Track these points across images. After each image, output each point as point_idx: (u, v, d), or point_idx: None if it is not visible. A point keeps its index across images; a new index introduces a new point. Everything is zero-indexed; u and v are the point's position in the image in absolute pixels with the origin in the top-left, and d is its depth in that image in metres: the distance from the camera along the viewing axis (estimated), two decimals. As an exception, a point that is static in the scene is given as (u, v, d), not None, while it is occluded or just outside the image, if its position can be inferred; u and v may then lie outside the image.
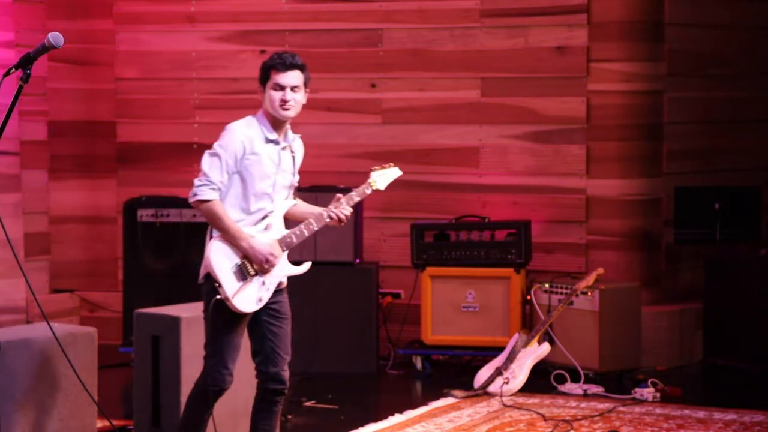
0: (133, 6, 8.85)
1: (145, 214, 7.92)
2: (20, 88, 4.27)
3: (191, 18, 8.80)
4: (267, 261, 4.93)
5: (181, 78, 8.82)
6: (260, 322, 5.03)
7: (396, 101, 8.58)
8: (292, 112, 4.98)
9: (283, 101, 4.94)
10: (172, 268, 7.81)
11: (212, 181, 4.89)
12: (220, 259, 4.90)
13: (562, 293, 7.61)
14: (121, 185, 8.87)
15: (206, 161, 4.93)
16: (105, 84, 8.92)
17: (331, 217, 5.07)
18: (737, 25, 8.55)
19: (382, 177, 5.31)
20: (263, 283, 4.97)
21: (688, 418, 6.66)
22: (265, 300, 4.98)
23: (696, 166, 8.49)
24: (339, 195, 5.13)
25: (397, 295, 8.41)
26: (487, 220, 8.26)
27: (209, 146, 5.02)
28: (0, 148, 7.65)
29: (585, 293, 7.59)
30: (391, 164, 5.40)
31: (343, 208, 5.09)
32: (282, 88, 4.94)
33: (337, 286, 7.91)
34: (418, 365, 8.04)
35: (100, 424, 5.70)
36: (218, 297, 4.88)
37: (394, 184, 8.47)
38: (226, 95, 8.75)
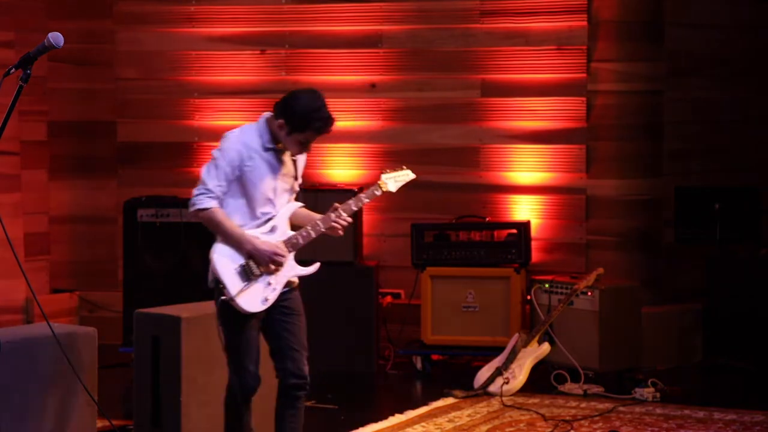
0: (133, 6, 8.85)
1: (145, 214, 7.92)
2: (20, 88, 4.27)
3: (191, 18, 8.80)
4: (272, 260, 4.95)
5: (181, 78, 8.82)
6: (273, 321, 5.06)
7: (396, 101, 8.58)
8: (305, 152, 5.10)
9: (304, 149, 5.06)
10: (172, 268, 7.82)
11: (209, 189, 4.94)
12: (223, 260, 4.94)
13: (562, 293, 7.61)
14: (121, 185, 8.86)
15: (204, 169, 4.99)
16: (105, 84, 8.92)
17: (332, 226, 5.08)
18: (737, 25, 8.55)
19: (393, 179, 5.32)
20: (269, 284, 4.98)
21: (688, 418, 6.66)
22: (272, 300, 4.99)
23: (696, 166, 8.50)
24: (336, 204, 5.14)
25: (397, 295, 8.41)
26: (487, 220, 8.26)
27: (209, 146, 5.04)
28: (0, 148, 7.64)
29: (585, 293, 7.59)
30: (404, 167, 5.41)
31: (342, 217, 5.09)
32: (309, 143, 5.04)
33: (337, 286, 7.90)
34: (418, 365, 8.04)
35: (100, 424, 5.69)
36: (223, 298, 4.91)
37: (394, 184, 8.51)
38: (226, 95, 8.75)
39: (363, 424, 6.48)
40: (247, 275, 4.94)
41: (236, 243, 4.93)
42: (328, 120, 5.00)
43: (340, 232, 5.12)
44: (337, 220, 5.08)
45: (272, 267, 4.95)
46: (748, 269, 8.02)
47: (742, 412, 6.74)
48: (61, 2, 8.83)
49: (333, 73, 8.63)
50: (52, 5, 8.78)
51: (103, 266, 8.92)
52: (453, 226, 8.23)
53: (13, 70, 4.29)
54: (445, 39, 8.48)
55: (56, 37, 4.23)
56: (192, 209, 4.98)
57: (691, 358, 8.18)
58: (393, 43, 8.56)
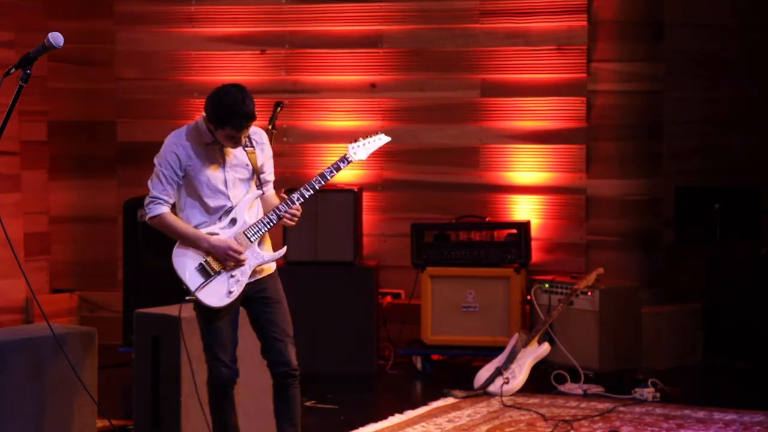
0: (133, 6, 8.85)
1: (145, 214, 7.91)
2: (20, 88, 4.27)
3: (191, 18, 8.80)
4: (228, 255, 4.99)
5: (181, 78, 8.82)
6: (254, 313, 5.13)
7: (396, 101, 8.58)
8: (239, 146, 5.06)
9: (236, 143, 5.03)
10: (173, 268, 7.79)
11: (156, 197, 5.04)
12: (182, 260, 5.03)
13: (562, 293, 7.61)
14: (121, 185, 8.86)
15: (149, 181, 5.08)
16: (105, 84, 8.92)
17: (282, 217, 5.09)
18: (737, 25, 8.55)
19: (363, 147, 5.32)
20: (232, 276, 5.03)
21: (688, 418, 6.66)
22: (237, 292, 5.02)
23: (696, 166, 8.49)
24: (284, 195, 5.17)
25: (397, 295, 8.41)
26: (487, 220, 8.27)
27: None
28: (0, 148, 7.64)
29: (585, 293, 7.59)
30: (379, 133, 5.41)
31: (290, 208, 5.08)
32: (236, 138, 5.01)
33: (337, 286, 7.91)
34: (418, 365, 8.04)
35: (100, 424, 5.69)
36: (187, 297, 5.01)
37: (395, 185, 8.53)
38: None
39: (363, 424, 6.47)
40: (207, 272, 5.00)
41: (192, 243, 5.02)
42: (244, 117, 4.93)
43: (291, 223, 5.11)
44: (286, 210, 5.08)
45: (229, 263, 5.00)
46: (748, 269, 8.02)
47: (742, 412, 6.74)
48: (61, 2, 8.83)
49: (333, 73, 8.63)
50: (52, 5, 8.78)
51: (103, 266, 8.93)
52: (453, 226, 8.23)
53: (13, 70, 4.29)
54: (445, 39, 8.48)
55: (56, 37, 4.23)
56: (146, 219, 5.09)
57: (691, 358, 8.18)
58: (393, 43, 8.56)
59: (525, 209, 8.40)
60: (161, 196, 5.03)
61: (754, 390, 7.44)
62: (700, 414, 6.73)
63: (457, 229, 8.19)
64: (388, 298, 8.37)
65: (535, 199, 8.40)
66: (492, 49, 8.41)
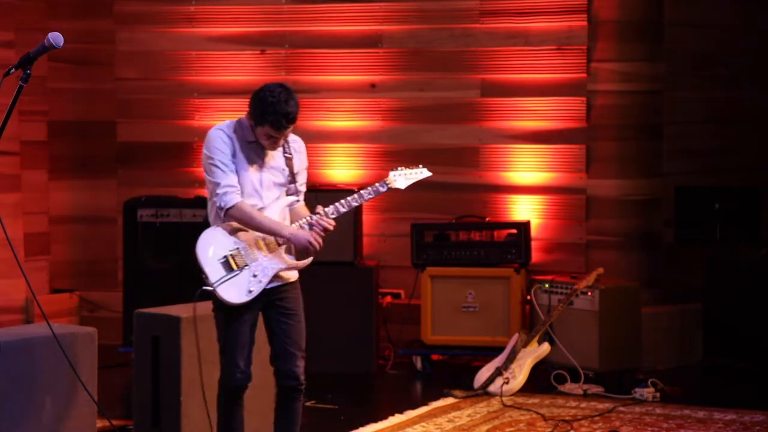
0: (133, 6, 8.85)
1: (145, 214, 7.92)
2: (20, 88, 4.27)
3: (191, 18, 8.80)
4: (311, 243, 4.94)
5: (181, 78, 8.82)
6: (271, 320, 5.08)
7: (396, 101, 8.58)
8: (277, 147, 5.02)
9: (274, 144, 4.99)
10: (172, 268, 7.81)
11: (227, 186, 4.91)
12: (207, 249, 4.93)
13: (562, 293, 7.61)
14: (121, 185, 8.86)
15: (207, 176, 4.98)
16: (105, 84, 8.92)
17: (312, 226, 5.03)
18: (737, 25, 8.55)
19: (403, 176, 5.25)
20: (254, 275, 4.97)
21: (688, 418, 6.66)
22: (257, 292, 4.96)
23: (696, 166, 8.50)
24: (319, 207, 5.09)
25: (397, 295, 8.41)
26: (487, 220, 8.27)
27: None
28: (0, 148, 7.64)
29: (585, 293, 7.59)
30: (420, 165, 5.35)
31: (324, 220, 5.03)
32: (274, 138, 4.96)
33: (337, 286, 7.91)
34: (418, 365, 8.04)
35: (100, 424, 5.70)
36: (204, 287, 4.91)
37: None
38: (226, 95, 8.75)
39: (363, 424, 6.48)
40: (229, 266, 4.93)
41: (274, 233, 4.95)
42: (284, 116, 4.87)
43: (321, 234, 5.02)
44: (320, 221, 5.02)
45: (311, 248, 4.94)
46: (748, 269, 8.02)
47: (742, 412, 6.74)
48: (61, 2, 8.83)
49: (333, 73, 8.63)
50: (52, 5, 8.78)
51: (103, 266, 8.92)
52: (453, 226, 8.24)
53: (13, 70, 4.29)
54: (445, 39, 8.48)
55: (56, 37, 4.23)
56: (221, 213, 4.93)
57: (691, 358, 8.18)
58: (393, 43, 8.56)
59: (525, 209, 8.40)
60: (231, 184, 4.92)
61: (754, 390, 7.44)
62: (700, 414, 6.74)
63: (457, 229, 8.19)
64: (388, 298, 8.37)
65: (535, 199, 8.40)
66: (492, 49, 8.41)
